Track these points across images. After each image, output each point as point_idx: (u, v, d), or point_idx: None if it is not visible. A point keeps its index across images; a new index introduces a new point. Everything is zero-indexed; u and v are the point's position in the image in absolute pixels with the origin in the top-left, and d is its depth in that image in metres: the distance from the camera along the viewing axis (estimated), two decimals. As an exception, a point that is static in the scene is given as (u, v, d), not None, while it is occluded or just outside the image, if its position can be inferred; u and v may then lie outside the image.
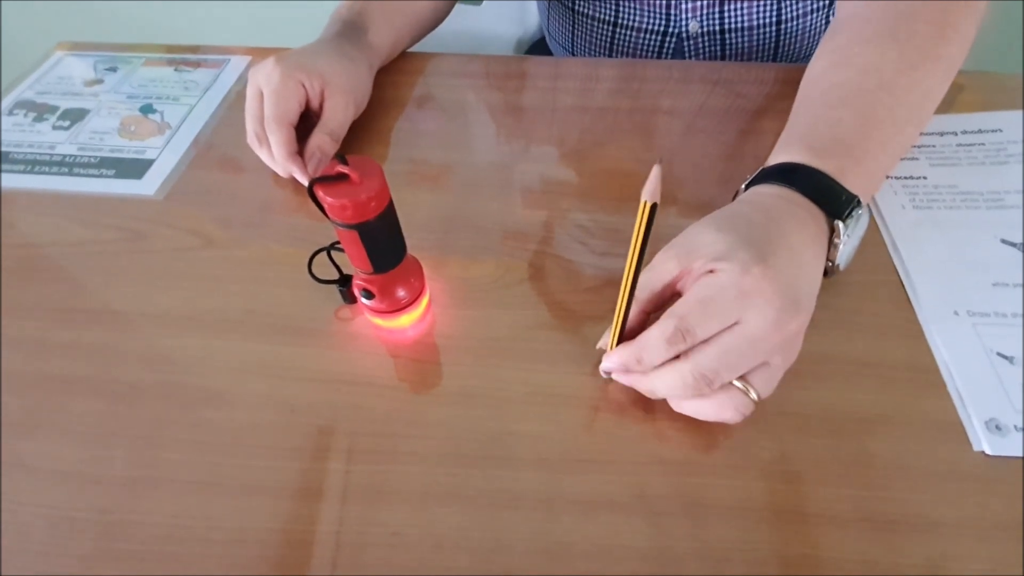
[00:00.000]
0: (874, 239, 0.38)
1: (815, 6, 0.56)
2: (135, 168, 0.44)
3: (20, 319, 0.36)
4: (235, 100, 0.50)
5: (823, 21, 0.58)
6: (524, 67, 0.53)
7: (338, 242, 0.29)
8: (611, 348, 0.30)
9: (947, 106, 0.46)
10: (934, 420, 0.30)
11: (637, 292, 0.28)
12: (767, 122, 0.46)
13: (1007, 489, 0.28)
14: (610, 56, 0.62)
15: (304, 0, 1.02)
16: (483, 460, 0.29)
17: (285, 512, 0.28)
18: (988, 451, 0.29)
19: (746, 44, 0.58)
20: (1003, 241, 0.37)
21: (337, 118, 0.42)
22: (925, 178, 0.40)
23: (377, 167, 0.27)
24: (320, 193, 0.26)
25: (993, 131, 0.43)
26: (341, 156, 0.26)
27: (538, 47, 0.84)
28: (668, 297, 0.29)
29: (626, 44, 0.60)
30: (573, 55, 0.66)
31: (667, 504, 0.28)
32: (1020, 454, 0.28)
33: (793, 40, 0.58)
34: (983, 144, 0.42)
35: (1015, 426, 0.29)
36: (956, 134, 0.43)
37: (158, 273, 0.38)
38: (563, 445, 0.30)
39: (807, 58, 0.60)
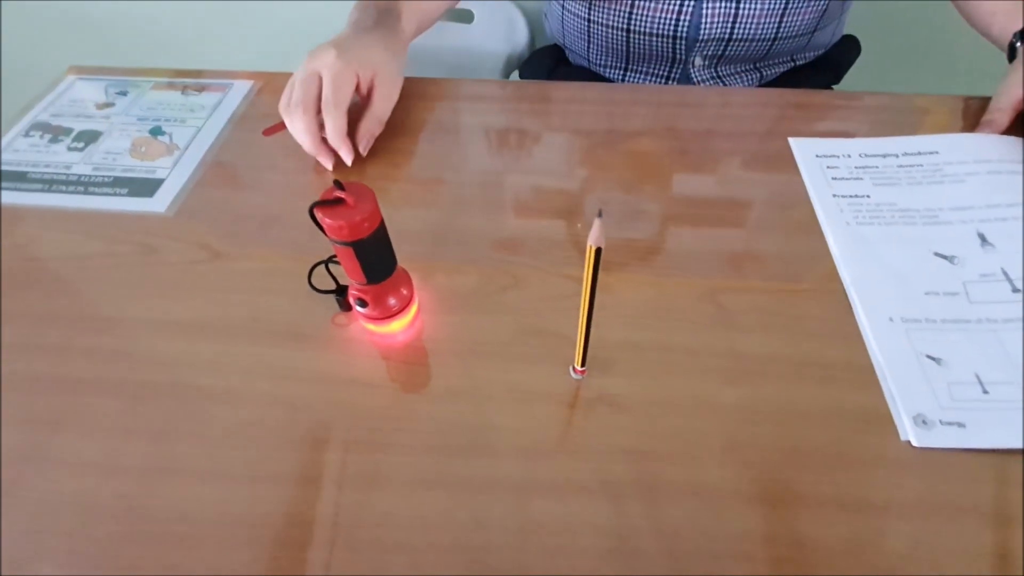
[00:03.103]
0: (822, 251, 0.42)
1: (810, 18, 0.62)
2: (146, 187, 0.48)
3: (44, 327, 0.39)
4: (239, 122, 0.54)
5: (824, 7, 0.64)
6: (512, 91, 0.57)
7: (335, 256, 0.33)
8: (577, 363, 0.34)
9: (914, 128, 0.51)
10: (866, 414, 0.34)
11: (1000, 108, 0.47)
12: (740, 143, 0.50)
13: (928, 474, 0.32)
14: (626, 61, 0.67)
15: (302, 27, 1.07)
16: (465, 450, 0.33)
17: (288, 498, 0.32)
18: (914, 443, 0.32)
19: (758, 6, 0.62)
20: (936, 254, 0.41)
21: (384, 105, 0.50)
22: (868, 196, 0.45)
23: (370, 192, 0.30)
24: (320, 215, 0.29)
25: (931, 153, 0.47)
26: (338, 182, 0.30)
27: (530, 64, 0.87)
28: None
29: (641, 48, 0.65)
30: (589, 62, 0.71)
31: (627, 488, 0.31)
32: (943, 446, 0.32)
33: (798, 8, 0.63)
34: (921, 165, 0.46)
35: (940, 420, 0.33)
36: (897, 156, 0.47)
37: (170, 284, 0.41)
38: (537, 437, 0.33)
39: (807, 36, 0.66)
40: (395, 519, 0.31)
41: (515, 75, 0.99)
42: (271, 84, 0.57)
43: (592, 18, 0.68)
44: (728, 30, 0.64)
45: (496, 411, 0.35)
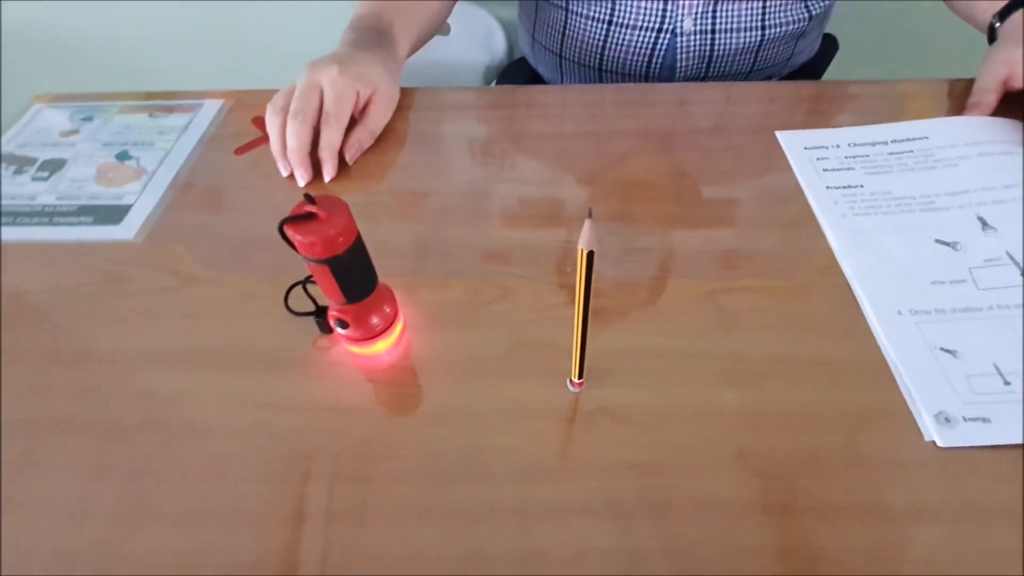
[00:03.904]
0: (821, 245, 0.40)
1: (795, 17, 0.61)
2: (113, 214, 0.46)
3: (10, 365, 0.37)
4: (211, 142, 0.52)
5: (801, 33, 0.63)
6: (493, 97, 0.56)
7: (312, 276, 0.31)
8: (574, 376, 0.32)
9: (897, 114, 0.50)
10: (881, 413, 0.32)
11: (985, 88, 0.46)
12: (726, 139, 0.49)
13: (951, 474, 0.30)
14: (601, 55, 0.65)
15: (271, 44, 1.05)
16: (460, 476, 0.31)
17: (271, 536, 0.29)
18: (939, 443, 0.30)
19: (733, 44, 0.62)
20: (937, 241, 0.40)
21: (379, 120, 0.50)
22: (862, 186, 0.43)
23: (344, 205, 0.28)
24: (290, 232, 0.27)
25: (920, 139, 0.46)
26: (308, 196, 0.28)
27: (509, 72, 0.86)
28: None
29: (619, 43, 0.63)
30: (561, 57, 0.69)
31: (634, 506, 0.29)
32: (969, 444, 0.30)
33: (774, 44, 0.63)
34: (912, 152, 0.45)
35: (963, 417, 0.31)
36: (887, 143, 0.46)
37: (140, 313, 0.39)
38: (535, 456, 0.31)
39: (784, 63, 0.65)
40: (387, 555, 0.28)
41: (494, 85, 0.98)
42: (243, 102, 0.55)
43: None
44: (703, 68, 0.63)
45: (490, 431, 0.33)
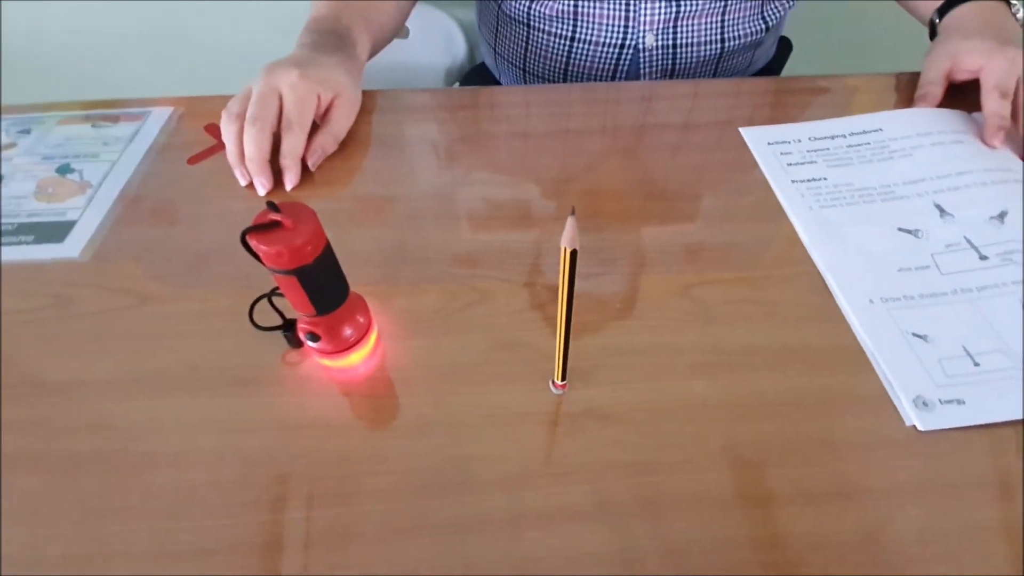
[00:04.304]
0: (791, 237, 0.41)
1: (753, 29, 0.63)
2: (55, 231, 0.43)
3: (-61, 402, 0.34)
4: (161, 152, 0.49)
5: (758, 43, 0.65)
6: (457, 99, 0.55)
7: (279, 288, 0.29)
8: (557, 377, 0.31)
9: (844, 108, 0.51)
10: (860, 396, 0.33)
11: (931, 81, 0.48)
12: (691, 136, 0.50)
13: (929, 453, 0.30)
14: (566, 70, 0.65)
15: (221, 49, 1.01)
16: (445, 488, 0.30)
17: (248, 568, 0.27)
18: (920, 427, 0.31)
19: (694, 57, 0.63)
20: (900, 229, 0.41)
21: (342, 124, 0.48)
22: (825, 179, 0.44)
23: (311, 211, 0.27)
24: (254, 242, 0.26)
25: (876, 131, 0.48)
26: (272, 204, 0.26)
27: (472, 75, 0.86)
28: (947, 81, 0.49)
29: (583, 58, 0.64)
30: (524, 71, 0.69)
31: (627, 507, 0.29)
32: (947, 426, 0.31)
33: (733, 55, 0.64)
34: (869, 143, 0.47)
35: (939, 400, 0.32)
36: (845, 136, 0.48)
37: (90, 337, 0.36)
38: (522, 462, 0.31)
39: (743, 70, 0.67)
40: (374, 577, 0.27)
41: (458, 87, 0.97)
42: (194, 109, 0.53)
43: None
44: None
45: (474, 439, 0.32)
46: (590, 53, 0.63)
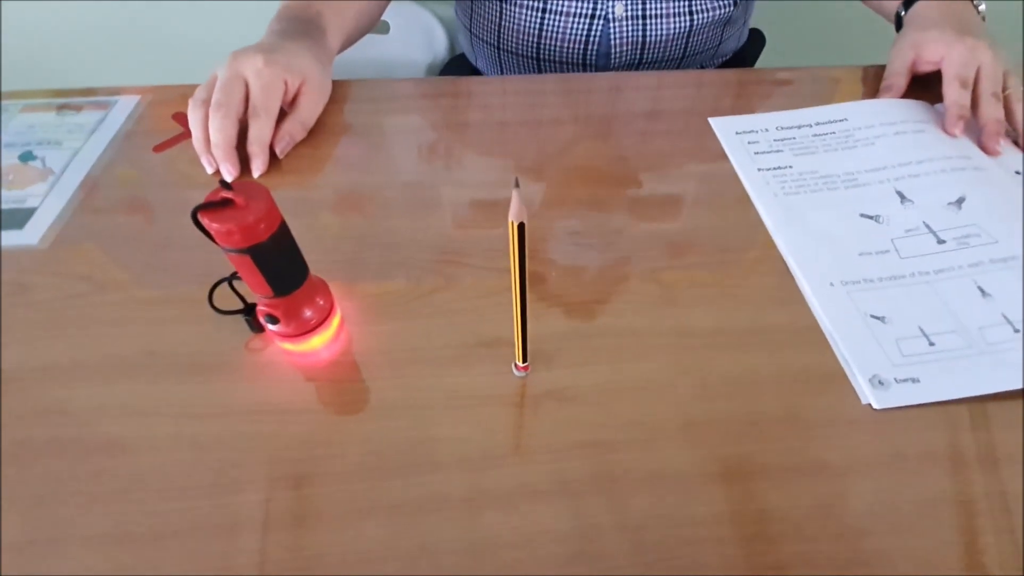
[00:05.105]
0: (756, 223, 0.41)
1: (722, 3, 0.63)
2: (15, 218, 0.42)
3: None
4: (126, 140, 0.48)
5: (727, 19, 0.65)
6: (430, 88, 0.55)
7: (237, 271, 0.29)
8: (518, 359, 0.31)
9: (818, 99, 0.52)
10: (818, 374, 0.33)
11: (896, 72, 0.50)
12: (661, 125, 0.50)
13: (883, 429, 0.31)
14: (538, 44, 0.65)
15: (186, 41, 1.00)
16: (404, 469, 0.30)
17: (201, 552, 0.27)
18: (875, 405, 0.31)
19: (664, 30, 0.63)
20: (862, 215, 0.41)
21: (310, 110, 0.48)
22: (791, 167, 0.45)
23: (264, 189, 0.27)
24: (205, 220, 0.25)
25: (840, 120, 0.48)
26: (224, 182, 0.26)
27: (448, 68, 0.86)
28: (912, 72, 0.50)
29: (555, 30, 0.64)
30: (499, 48, 0.69)
31: (585, 485, 0.29)
32: (901, 404, 0.31)
33: (703, 30, 0.64)
34: (834, 133, 0.47)
35: (895, 379, 0.32)
36: (811, 126, 0.48)
37: (44, 324, 0.36)
38: (483, 444, 0.30)
39: (714, 50, 0.68)
40: (331, 557, 0.27)
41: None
42: (161, 98, 0.52)
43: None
44: (637, 55, 0.65)
45: (436, 421, 0.31)
46: (561, 24, 0.63)
